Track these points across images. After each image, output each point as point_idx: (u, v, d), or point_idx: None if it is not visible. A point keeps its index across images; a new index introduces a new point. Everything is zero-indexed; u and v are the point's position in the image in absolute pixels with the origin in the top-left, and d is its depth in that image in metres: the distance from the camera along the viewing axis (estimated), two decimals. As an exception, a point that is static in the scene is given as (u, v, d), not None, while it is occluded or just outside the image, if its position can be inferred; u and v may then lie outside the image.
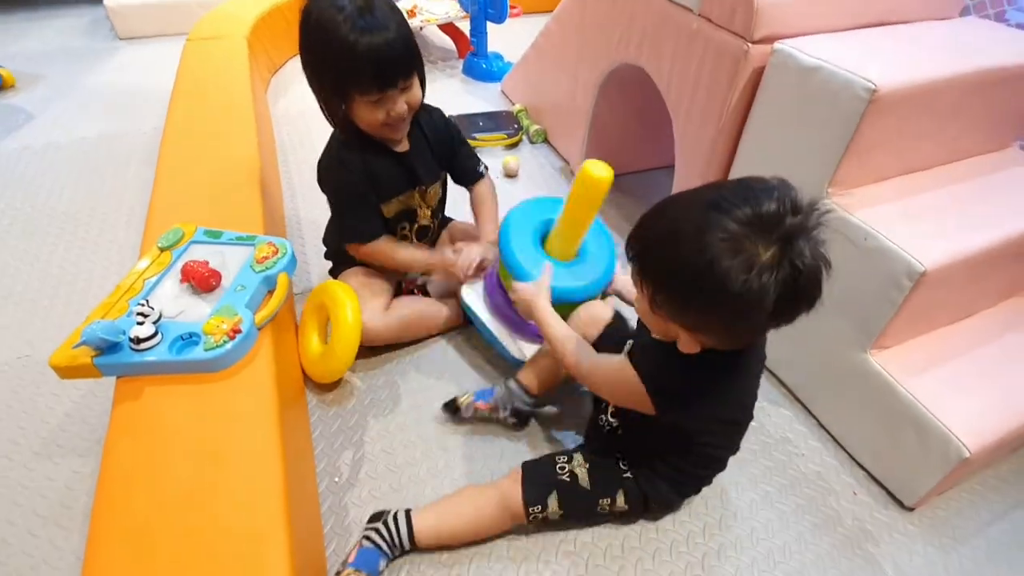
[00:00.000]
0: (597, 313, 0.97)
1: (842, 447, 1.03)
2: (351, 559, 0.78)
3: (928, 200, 0.97)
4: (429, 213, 1.17)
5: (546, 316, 0.88)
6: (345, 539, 0.86)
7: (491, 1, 2.14)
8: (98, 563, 0.62)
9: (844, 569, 0.87)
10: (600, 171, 0.89)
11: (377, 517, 0.84)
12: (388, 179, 1.05)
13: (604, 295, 1.06)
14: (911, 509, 0.95)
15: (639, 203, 1.61)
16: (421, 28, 2.38)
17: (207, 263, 0.92)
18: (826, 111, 0.91)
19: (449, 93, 2.21)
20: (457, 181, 1.21)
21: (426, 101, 1.03)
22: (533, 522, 0.85)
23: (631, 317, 0.93)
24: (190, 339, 0.82)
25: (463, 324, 1.22)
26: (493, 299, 1.10)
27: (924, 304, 0.90)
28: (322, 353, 1.04)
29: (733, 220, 0.54)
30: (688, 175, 1.25)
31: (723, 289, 0.54)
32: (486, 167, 1.20)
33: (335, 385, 1.08)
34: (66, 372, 0.79)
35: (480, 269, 1.11)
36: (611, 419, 0.88)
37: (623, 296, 1.05)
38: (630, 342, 0.88)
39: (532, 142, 1.90)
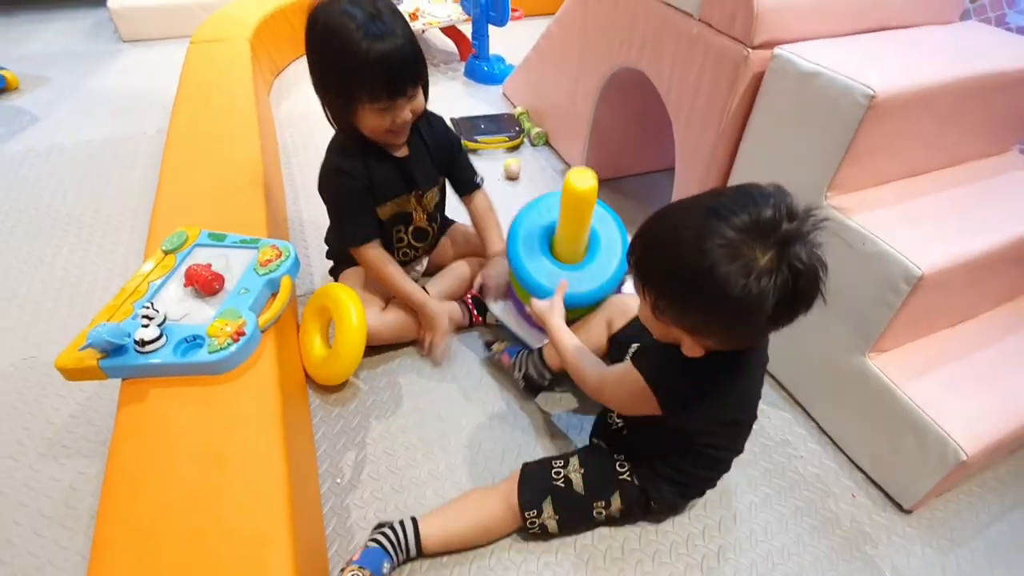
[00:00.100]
0: (627, 306, 1.01)
1: (841, 450, 1.04)
2: (355, 558, 0.79)
3: (927, 204, 0.98)
4: (425, 217, 1.18)
5: (559, 338, 0.89)
6: (347, 540, 0.87)
7: (493, 4, 2.15)
8: (104, 564, 0.63)
9: (843, 571, 0.88)
10: (582, 183, 0.89)
11: (382, 525, 0.85)
12: (385, 183, 1.06)
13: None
14: (909, 511, 0.95)
15: (640, 206, 1.62)
16: (424, 31, 2.39)
17: (210, 266, 0.92)
18: (825, 116, 0.91)
19: (451, 96, 2.22)
20: (455, 190, 1.22)
21: (428, 106, 1.04)
22: (531, 529, 0.86)
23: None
24: (194, 342, 0.83)
25: (464, 327, 1.23)
26: (515, 302, 1.15)
27: (922, 308, 0.91)
28: (327, 357, 1.05)
29: (731, 227, 0.56)
30: (688, 179, 1.25)
31: (723, 294, 0.56)
32: (482, 179, 1.22)
33: (338, 387, 1.09)
34: (72, 374, 0.80)
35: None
36: (617, 419, 0.91)
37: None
38: (635, 345, 0.89)
39: (533, 144, 1.91)
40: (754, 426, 1.04)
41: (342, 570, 0.78)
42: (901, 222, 0.92)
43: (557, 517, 0.85)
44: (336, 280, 1.21)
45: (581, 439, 1.02)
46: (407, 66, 0.92)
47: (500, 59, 2.37)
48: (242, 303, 0.89)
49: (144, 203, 1.55)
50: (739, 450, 0.87)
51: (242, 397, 0.81)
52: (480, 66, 2.33)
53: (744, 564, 0.88)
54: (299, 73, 2.39)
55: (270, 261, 0.96)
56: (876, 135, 0.90)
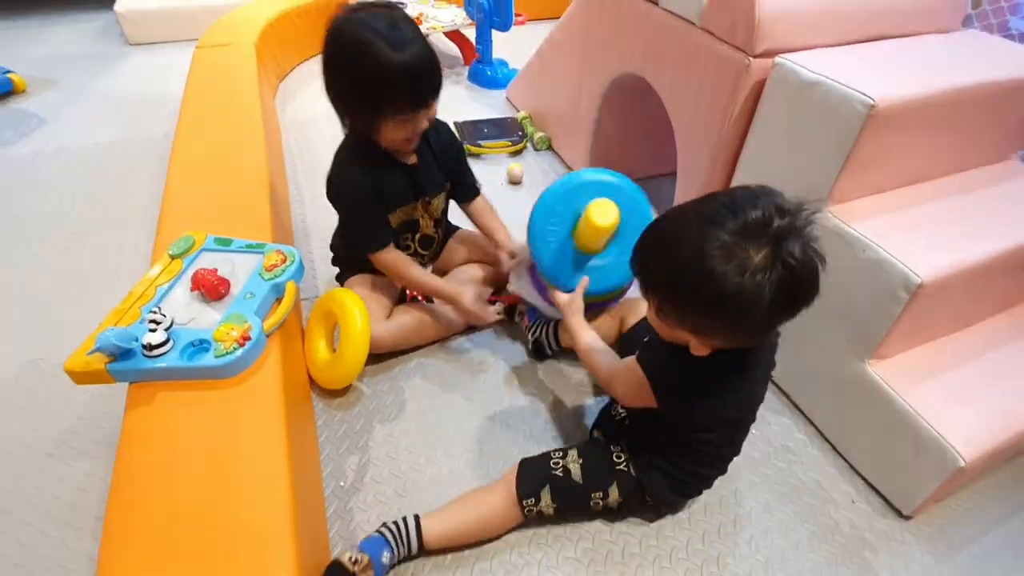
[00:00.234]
0: (640, 305, 1.04)
1: (841, 456, 1.04)
2: (357, 543, 0.81)
3: (926, 212, 0.99)
4: (432, 224, 1.19)
5: (577, 333, 0.92)
6: (350, 543, 0.88)
7: (496, 9, 2.16)
8: (112, 565, 0.64)
9: (841, 577, 0.89)
10: (603, 220, 0.92)
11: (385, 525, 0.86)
12: (395, 191, 1.07)
13: None
14: (908, 518, 0.96)
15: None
16: (427, 35, 2.40)
17: (216, 271, 0.94)
18: (826, 125, 0.92)
19: (454, 100, 2.24)
20: (456, 196, 1.23)
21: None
22: (529, 516, 0.87)
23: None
24: (201, 346, 0.84)
25: (467, 330, 1.24)
26: (534, 278, 1.14)
27: (922, 315, 0.91)
28: (331, 361, 1.06)
29: (726, 231, 0.58)
30: (690, 184, 1.26)
31: (720, 293, 0.58)
32: (480, 184, 1.24)
33: (341, 391, 1.10)
34: (80, 378, 0.81)
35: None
36: (620, 409, 0.94)
37: None
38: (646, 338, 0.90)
39: (536, 149, 1.92)
40: (755, 432, 1.07)
41: (342, 552, 0.79)
42: (901, 230, 0.93)
43: (555, 505, 0.87)
44: (342, 286, 1.22)
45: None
46: (430, 78, 0.94)
47: (503, 63, 2.38)
48: (248, 307, 0.90)
49: (151, 206, 1.56)
50: (736, 450, 0.88)
51: (247, 401, 0.82)
52: (483, 70, 2.34)
53: (744, 569, 0.89)
54: (304, 77, 2.41)
55: (275, 266, 0.97)
56: (876, 144, 0.91)
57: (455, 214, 1.28)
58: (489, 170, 1.78)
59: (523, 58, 2.03)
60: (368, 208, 1.06)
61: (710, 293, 0.59)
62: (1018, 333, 1.05)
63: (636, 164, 1.74)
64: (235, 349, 0.83)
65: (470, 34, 2.42)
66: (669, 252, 0.64)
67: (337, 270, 1.25)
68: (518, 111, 2.09)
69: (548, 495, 0.86)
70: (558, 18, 1.68)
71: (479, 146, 1.86)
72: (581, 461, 0.88)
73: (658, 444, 0.86)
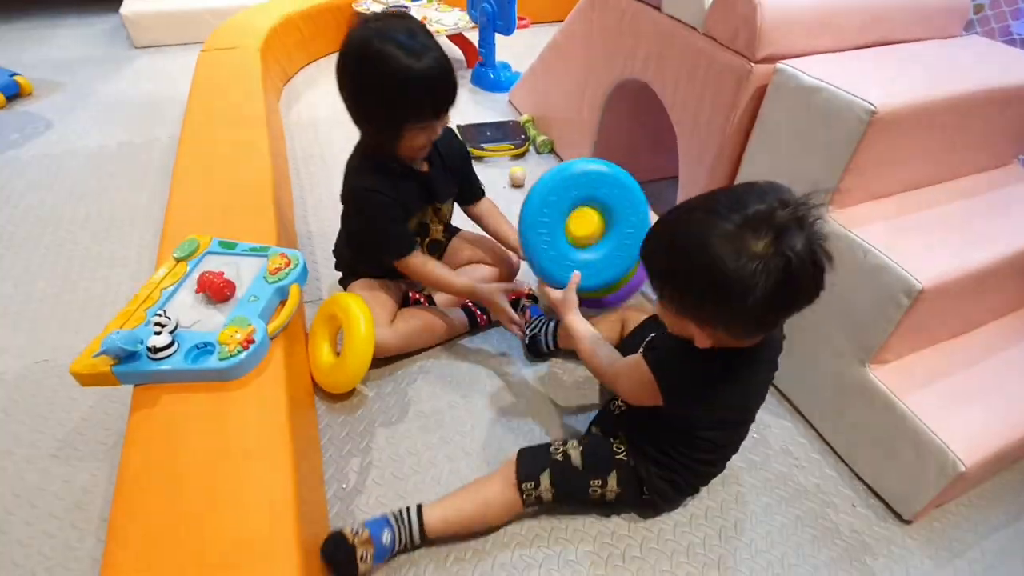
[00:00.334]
0: (643, 308, 1.07)
1: (842, 460, 1.05)
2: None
3: (928, 217, 0.99)
4: (442, 229, 1.21)
5: (575, 331, 0.93)
6: (352, 545, 0.88)
7: (500, 12, 2.17)
8: (115, 566, 0.64)
9: (842, 581, 0.89)
10: (580, 230, 0.99)
11: None
12: (410, 198, 1.09)
13: None
14: (909, 522, 0.96)
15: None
16: (430, 39, 2.41)
17: (222, 274, 0.94)
18: (827, 131, 0.93)
19: (457, 103, 2.22)
20: (462, 199, 1.24)
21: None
22: (528, 501, 0.88)
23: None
24: (205, 348, 0.85)
25: (469, 332, 1.25)
26: None
27: (923, 320, 0.92)
28: (334, 365, 1.07)
29: (729, 221, 0.60)
30: (691, 188, 1.27)
31: (717, 277, 0.60)
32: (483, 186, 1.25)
33: (344, 394, 1.11)
34: (86, 380, 0.82)
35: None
36: (620, 404, 0.95)
37: None
38: (651, 335, 0.91)
39: (539, 152, 1.93)
40: (755, 435, 1.07)
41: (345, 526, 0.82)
42: (902, 235, 0.93)
43: (553, 490, 0.87)
44: (345, 290, 1.23)
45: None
46: (449, 85, 0.95)
47: (506, 67, 2.39)
48: (252, 311, 0.91)
49: (156, 209, 1.58)
50: (735, 448, 0.90)
51: (251, 403, 0.82)
52: (486, 74, 2.35)
53: (745, 573, 0.89)
54: (308, 80, 2.42)
55: (279, 269, 0.98)
56: (877, 150, 0.91)
57: (455, 215, 1.29)
58: (491, 173, 1.79)
59: (526, 61, 2.04)
60: (392, 216, 1.06)
61: (708, 277, 0.61)
62: (1019, 338, 1.05)
63: (638, 168, 1.72)
64: (239, 352, 0.83)
65: (473, 37, 2.43)
66: (674, 238, 0.67)
67: (340, 274, 1.26)
68: (521, 114, 2.10)
69: (548, 479, 0.87)
70: (561, 22, 1.69)
71: (482, 149, 1.87)
72: (581, 448, 0.89)
73: (657, 440, 0.87)
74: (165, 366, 0.82)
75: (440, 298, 1.26)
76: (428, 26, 2.29)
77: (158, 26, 2.67)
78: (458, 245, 1.29)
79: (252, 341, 0.85)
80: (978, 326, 1.06)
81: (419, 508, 0.86)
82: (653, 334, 0.91)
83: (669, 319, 0.74)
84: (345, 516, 0.92)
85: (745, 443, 0.91)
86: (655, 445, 0.87)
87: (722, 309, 0.64)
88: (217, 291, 0.93)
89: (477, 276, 1.25)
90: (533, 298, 1.29)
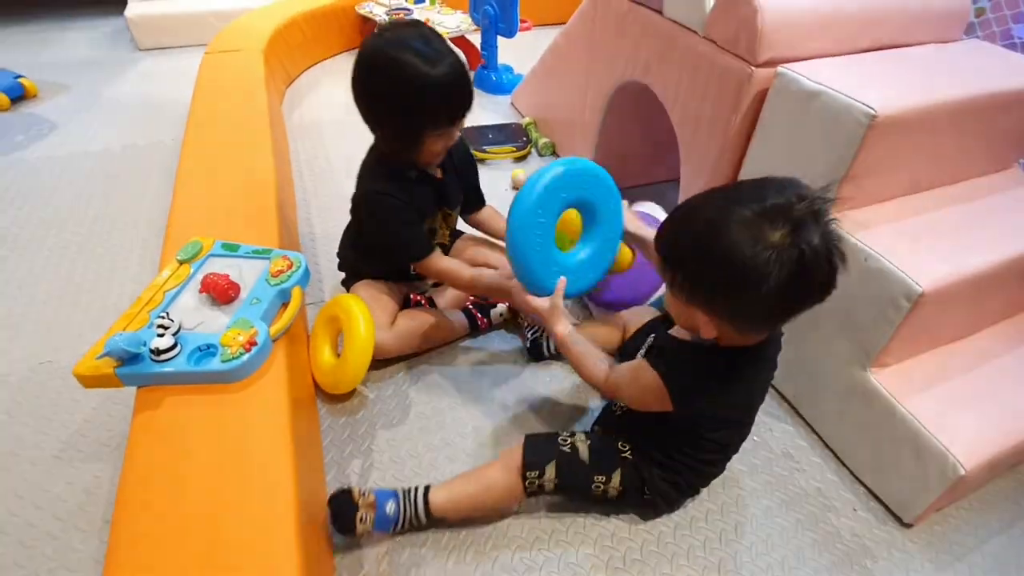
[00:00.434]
0: (645, 312, 1.06)
1: (843, 463, 1.05)
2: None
3: (928, 221, 0.99)
4: (448, 233, 1.22)
5: (565, 341, 0.89)
6: (353, 547, 0.89)
7: (502, 15, 2.18)
8: (118, 569, 0.65)
9: (842, 585, 0.89)
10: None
11: None
12: (424, 203, 1.10)
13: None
14: (909, 526, 0.96)
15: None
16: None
17: (228, 276, 0.95)
18: (827, 134, 0.93)
19: (460, 105, 2.25)
20: (465, 208, 1.24)
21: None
22: (530, 489, 0.88)
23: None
24: (208, 350, 0.85)
25: (470, 334, 1.25)
26: None
27: (923, 324, 0.92)
28: (335, 366, 1.07)
29: (748, 209, 0.61)
30: (693, 190, 1.25)
31: (732, 262, 0.61)
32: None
33: (346, 395, 1.11)
34: (90, 382, 0.82)
35: None
36: (621, 404, 0.95)
37: (632, 236, 0.98)
38: (649, 340, 0.92)
39: (541, 155, 1.93)
40: (756, 438, 1.08)
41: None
42: (902, 239, 0.93)
43: (557, 481, 0.87)
44: (347, 292, 1.23)
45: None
46: (466, 91, 0.95)
47: (508, 69, 2.40)
48: (254, 313, 0.91)
49: (160, 211, 1.58)
50: (736, 449, 0.90)
51: (253, 405, 0.83)
52: (489, 76, 2.36)
53: (745, 576, 0.89)
54: (311, 82, 2.43)
55: (281, 272, 0.98)
56: (877, 154, 0.91)
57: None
58: (493, 175, 1.79)
59: (528, 64, 2.04)
60: (410, 220, 1.07)
61: (722, 264, 0.61)
62: (1020, 342, 1.05)
63: (639, 170, 1.75)
64: (241, 354, 0.84)
65: (475, 40, 2.44)
66: (691, 224, 0.67)
67: (343, 276, 1.27)
68: (523, 117, 2.10)
69: (553, 469, 0.87)
70: (563, 24, 1.70)
71: (484, 151, 1.88)
72: (589, 443, 0.89)
73: (661, 441, 0.87)
74: (168, 368, 0.82)
75: (441, 300, 1.27)
76: (431, 29, 2.32)
77: (162, 29, 2.69)
78: (461, 246, 1.30)
79: (254, 343, 0.85)
80: (979, 330, 1.06)
81: (426, 488, 0.88)
82: (654, 334, 0.92)
83: (677, 309, 0.73)
84: (346, 518, 0.92)
85: (746, 446, 0.92)
86: (659, 447, 0.87)
87: (733, 298, 0.64)
88: (222, 292, 0.93)
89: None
90: None
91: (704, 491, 0.97)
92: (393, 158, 1.03)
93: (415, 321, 1.17)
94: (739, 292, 0.63)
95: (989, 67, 1.05)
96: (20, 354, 1.19)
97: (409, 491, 0.88)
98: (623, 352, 1.08)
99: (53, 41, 2.79)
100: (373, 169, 1.06)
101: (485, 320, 1.26)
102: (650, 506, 0.93)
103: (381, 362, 1.16)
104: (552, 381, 1.17)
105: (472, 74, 2.46)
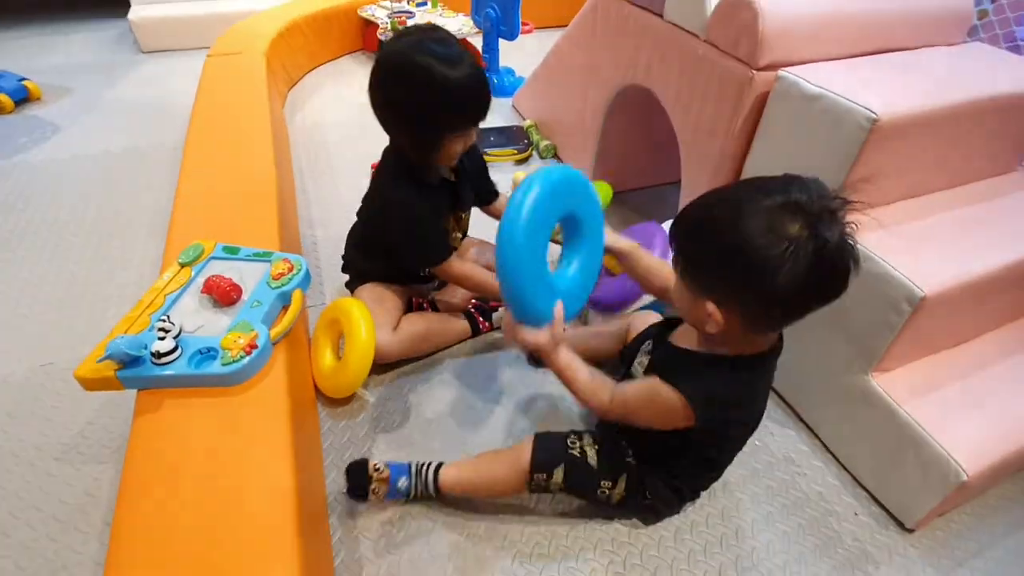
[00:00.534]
0: (649, 317, 1.04)
1: (844, 468, 1.04)
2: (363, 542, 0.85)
3: (930, 225, 0.99)
4: (460, 236, 1.22)
5: (568, 373, 0.81)
6: (353, 550, 0.89)
7: (504, 18, 2.18)
8: (118, 572, 0.65)
9: (844, 590, 0.88)
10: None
11: None
12: (441, 207, 1.11)
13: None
14: (911, 531, 0.96)
15: (646, 218, 1.63)
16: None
17: (230, 279, 0.95)
18: (829, 138, 0.93)
19: (461, 108, 2.25)
20: (481, 201, 1.25)
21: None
22: (534, 488, 0.88)
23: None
24: (208, 353, 0.85)
25: (471, 338, 1.25)
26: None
27: (925, 328, 0.91)
28: (335, 369, 1.07)
29: (769, 200, 0.61)
30: (694, 193, 1.24)
31: (746, 249, 0.60)
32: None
33: (346, 398, 1.11)
34: (91, 384, 0.82)
35: None
36: None
37: (614, 251, 0.92)
38: (643, 359, 0.90)
39: (542, 157, 1.93)
40: (757, 443, 1.07)
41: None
42: (904, 243, 0.93)
43: (564, 484, 0.87)
44: (351, 294, 1.23)
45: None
46: (486, 92, 0.96)
47: (510, 72, 2.40)
48: (255, 316, 0.91)
49: (162, 213, 1.59)
50: (734, 455, 0.89)
51: (253, 408, 0.83)
52: (490, 78, 2.35)
53: (745, 581, 0.89)
54: (313, 85, 2.43)
55: (282, 274, 0.98)
56: (879, 157, 0.91)
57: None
58: (495, 178, 1.76)
59: (529, 67, 2.05)
60: (431, 224, 1.08)
61: (737, 249, 0.61)
62: (1022, 346, 1.04)
63: (640, 173, 1.75)
64: (242, 357, 0.84)
65: (477, 43, 2.44)
66: (710, 209, 0.67)
67: (346, 278, 1.27)
68: (524, 119, 2.10)
69: (561, 473, 0.86)
70: (565, 27, 1.70)
71: (485, 154, 1.86)
72: (598, 448, 0.89)
73: (660, 446, 0.86)
74: (168, 371, 0.83)
75: (443, 304, 1.27)
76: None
77: (165, 32, 2.70)
78: (465, 247, 1.31)
79: (255, 346, 0.85)
80: (981, 334, 1.05)
81: (438, 467, 0.92)
82: (650, 341, 0.91)
83: (684, 302, 0.72)
84: (346, 521, 0.92)
85: (747, 450, 0.91)
86: (661, 452, 0.87)
87: (745, 287, 0.63)
88: (224, 294, 0.93)
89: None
90: None
91: (704, 495, 0.97)
92: (415, 162, 1.04)
93: (417, 325, 1.17)
94: (751, 281, 0.62)
95: (991, 70, 1.05)
96: (22, 356, 1.19)
97: (422, 468, 0.92)
98: (625, 356, 1.08)
99: (57, 44, 2.80)
100: (394, 174, 1.06)
101: (487, 323, 1.26)
102: (651, 511, 0.93)
103: (382, 366, 1.16)
104: (554, 383, 1.17)
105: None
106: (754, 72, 1.02)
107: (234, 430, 0.80)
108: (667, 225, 1.18)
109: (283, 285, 0.97)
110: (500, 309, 1.28)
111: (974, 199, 1.06)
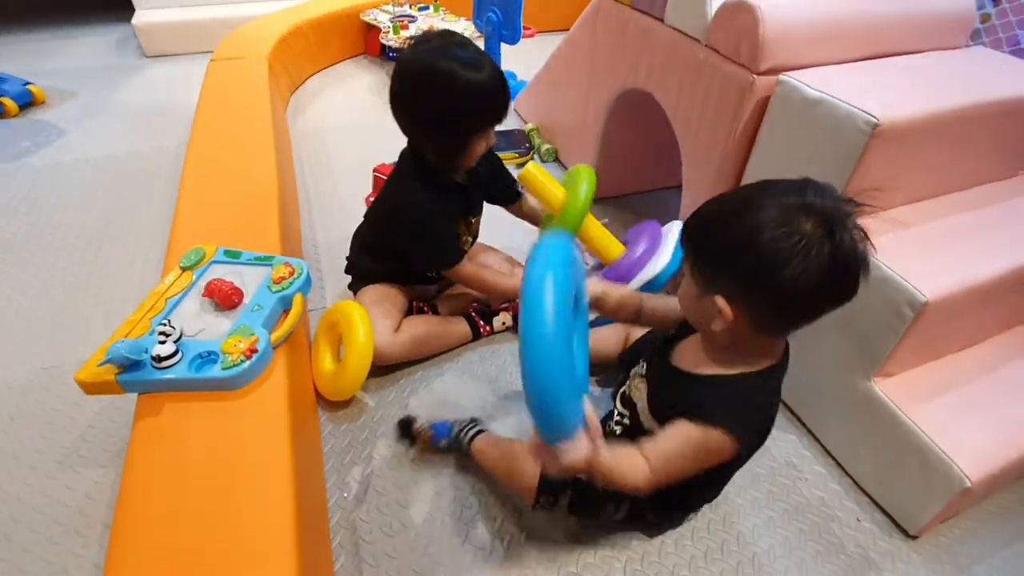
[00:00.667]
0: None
1: (847, 473, 1.04)
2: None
3: (933, 229, 0.98)
4: (470, 241, 1.22)
5: (617, 472, 0.69)
6: (353, 554, 0.89)
7: (505, 22, 2.18)
8: (117, 575, 0.65)
9: (846, 597, 0.88)
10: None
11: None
12: (455, 211, 1.12)
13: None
14: (914, 537, 0.95)
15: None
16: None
17: (232, 282, 0.95)
18: (830, 143, 0.93)
19: (463, 111, 2.25)
20: (502, 202, 1.26)
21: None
22: (536, 507, 0.87)
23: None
24: (209, 357, 0.85)
25: (472, 341, 1.25)
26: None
27: (927, 333, 0.91)
28: (334, 372, 1.07)
29: (786, 198, 0.61)
30: (695, 198, 1.26)
31: (756, 241, 0.59)
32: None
33: (346, 402, 1.11)
34: (91, 388, 0.82)
35: None
36: (615, 427, 0.91)
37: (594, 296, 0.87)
38: (639, 383, 0.87)
39: (543, 161, 1.93)
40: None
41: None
42: (906, 247, 0.93)
43: (569, 510, 0.87)
44: (355, 295, 1.24)
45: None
46: (507, 92, 0.98)
47: (512, 75, 2.40)
48: (255, 320, 0.91)
49: (163, 217, 1.59)
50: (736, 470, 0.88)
51: (253, 412, 0.83)
52: (492, 82, 2.36)
53: (746, 587, 0.88)
54: (315, 89, 2.44)
55: (283, 279, 0.98)
56: (880, 162, 0.91)
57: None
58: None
59: (531, 71, 2.05)
60: (446, 227, 1.09)
61: (747, 240, 0.60)
62: (1026, 351, 1.04)
63: (641, 177, 1.75)
64: (242, 361, 0.84)
65: (479, 46, 2.45)
66: (724, 204, 0.67)
67: (349, 279, 1.27)
68: (525, 123, 2.10)
69: (567, 498, 0.86)
70: (566, 31, 1.70)
71: (487, 158, 1.88)
72: None
73: None
74: (169, 375, 0.83)
75: (444, 308, 1.27)
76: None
77: (168, 36, 2.71)
78: (474, 252, 1.31)
79: (255, 351, 0.85)
80: (984, 339, 1.05)
81: (474, 436, 0.96)
82: (645, 363, 0.87)
83: (689, 300, 0.71)
84: (345, 525, 0.92)
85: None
86: None
87: (756, 281, 0.62)
88: (225, 298, 0.94)
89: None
90: None
91: (706, 501, 0.97)
92: (438, 165, 1.05)
93: (419, 327, 1.17)
94: (760, 274, 0.61)
95: (994, 74, 1.05)
96: (24, 359, 1.19)
97: (461, 434, 0.98)
98: (623, 359, 1.08)
99: (61, 48, 2.81)
100: (411, 177, 1.07)
101: (488, 327, 1.25)
102: (654, 526, 0.93)
103: (383, 369, 1.16)
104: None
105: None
106: (755, 76, 1.02)
107: (234, 434, 0.80)
108: (667, 226, 1.19)
109: (284, 289, 0.97)
110: (501, 313, 1.28)
111: (977, 204, 1.05)
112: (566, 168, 1.89)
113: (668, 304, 0.86)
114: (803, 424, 1.11)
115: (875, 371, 0.95)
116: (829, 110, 0.91)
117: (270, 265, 1.02)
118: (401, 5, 2.67)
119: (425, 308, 1.26)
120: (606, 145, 1.61)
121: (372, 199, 1.65)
